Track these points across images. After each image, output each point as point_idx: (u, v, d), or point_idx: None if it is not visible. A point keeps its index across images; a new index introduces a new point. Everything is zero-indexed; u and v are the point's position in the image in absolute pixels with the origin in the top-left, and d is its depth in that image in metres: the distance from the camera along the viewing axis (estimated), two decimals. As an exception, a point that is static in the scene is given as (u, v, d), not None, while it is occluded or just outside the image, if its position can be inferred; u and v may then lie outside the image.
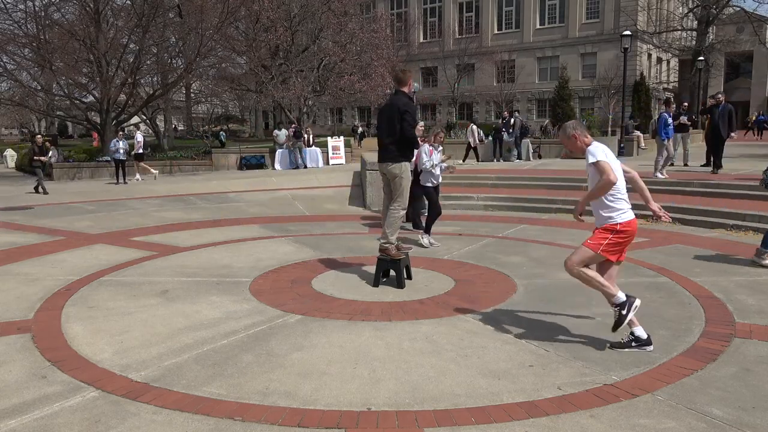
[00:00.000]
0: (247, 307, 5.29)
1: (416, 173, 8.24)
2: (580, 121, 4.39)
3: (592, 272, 4.15)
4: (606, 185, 3.97)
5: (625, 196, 4.14)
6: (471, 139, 20.39)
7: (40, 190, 14.73)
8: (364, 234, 9.23)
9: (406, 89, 6.02)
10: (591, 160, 4.03)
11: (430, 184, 8.56)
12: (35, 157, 15.49)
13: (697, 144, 21.23)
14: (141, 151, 19.27)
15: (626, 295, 4.10)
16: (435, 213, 8.40)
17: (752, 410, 3.29)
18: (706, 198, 10.71)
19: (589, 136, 4.30)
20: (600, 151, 4.05)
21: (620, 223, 4.05)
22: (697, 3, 36.03)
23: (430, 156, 8.41)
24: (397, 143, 5.94)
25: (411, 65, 45.62)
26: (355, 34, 26.35)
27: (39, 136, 17.18)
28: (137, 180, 18.51)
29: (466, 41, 47.00)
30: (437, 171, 8.55)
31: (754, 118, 38.76)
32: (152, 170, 19.27)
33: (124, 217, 10.93)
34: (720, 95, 13.20)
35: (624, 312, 4.06)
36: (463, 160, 19.91)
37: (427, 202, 8.84)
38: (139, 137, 19.59)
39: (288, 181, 16.90)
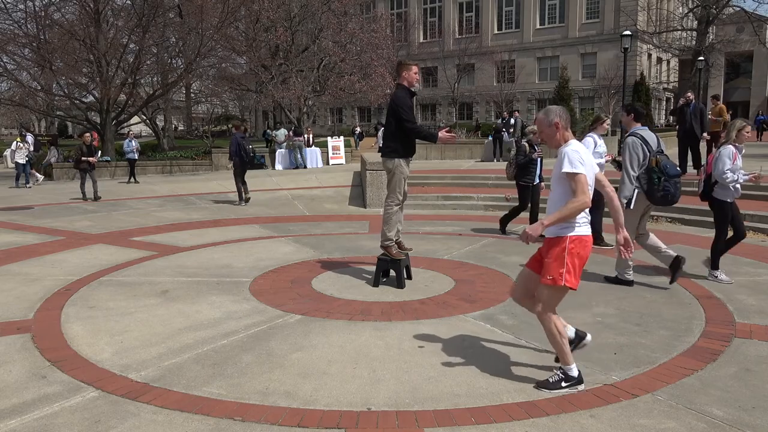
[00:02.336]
0: (247, 307, 5.29)
1: (708, 185, 5.96)
2: (566, 111, 3.61)
3: (561, 325, 3.53)
4: (581, 207, 3.35)
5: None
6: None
7: (88, 195, 13.21)
8: (364, 234, 9.23)
9: (404, 83, 5.86)
10: (567, 168, 3.37)
11: (729, 200, 5.91)
12: (83, 158, 13.41)
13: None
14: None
15: (579, 372, 3.56)
16: (740, 236, 6.13)
17: (752, 410, 3.29)
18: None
19: (569, 131, 3.59)
20: (578, 159, 3.38)
21: (573, 236, 3.42)
22: (697, 3, 35.99)
23: (734, 162, 5.62)
24: (391, 138, 5.91)
25: (411, 65, 45.59)
26: (355, 34, 26.31)
27: (87, 134, 14.63)
28: (38, 182, 17.66)
29: (466, 41, 47.05)
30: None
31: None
32: (38, 175, 18.10)
33: (124, 217, 10.93)
34: (689, 94, 12.85)
35: (564, 384, 3.51)
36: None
37: (719, 227, 6.12)
38: (29, 138, 17.84)
39: (288, 181, 16.92)
